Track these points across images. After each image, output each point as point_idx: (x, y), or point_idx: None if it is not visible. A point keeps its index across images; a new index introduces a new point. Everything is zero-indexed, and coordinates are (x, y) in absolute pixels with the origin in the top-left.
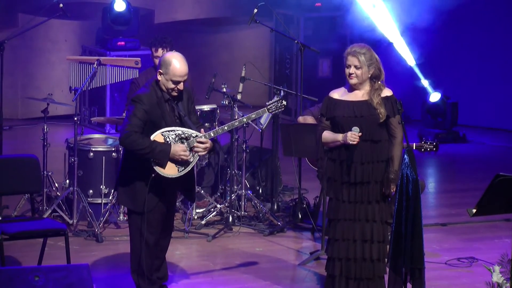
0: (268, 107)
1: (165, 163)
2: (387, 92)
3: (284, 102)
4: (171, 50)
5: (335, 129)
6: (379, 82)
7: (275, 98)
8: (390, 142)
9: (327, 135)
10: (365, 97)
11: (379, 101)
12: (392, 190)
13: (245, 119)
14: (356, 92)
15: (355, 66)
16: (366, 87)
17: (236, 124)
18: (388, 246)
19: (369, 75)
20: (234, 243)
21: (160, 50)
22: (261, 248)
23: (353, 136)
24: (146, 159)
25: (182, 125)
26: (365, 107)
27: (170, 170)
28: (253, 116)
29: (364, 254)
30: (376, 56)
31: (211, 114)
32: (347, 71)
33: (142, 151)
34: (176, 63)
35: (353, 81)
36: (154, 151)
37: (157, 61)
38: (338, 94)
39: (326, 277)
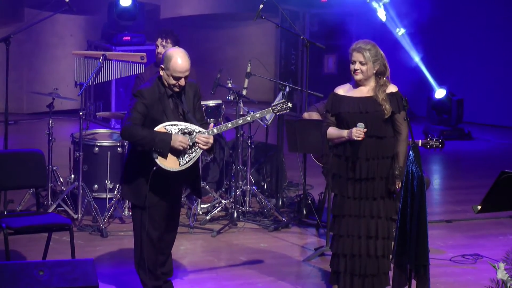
0: (273, 107)
1: (166, 153)
2: (392, 88)
3: (290, 104)
4: (173, 42)
5: (340, 125)
6: (384, 78)
7: (280, 98)
8: (395, 139)
9: (332, 131)
10: (370, 93)
11: (384, 97)
12: (397, 187)
13: (249, 118)
14: (362, 88)
15: (360, 62)
16: (372, 83)
17: (240, 122)
18: (392, 243)
19: (374, 71)
20: (238, 238)
21: (159, 40)
22: (265, 244)
23: (358, 132)
24: (148, 151)
25: (186, 121)
26: (370, 103)
27: (172, 164)
28: (258, 115)
29: (369, 251)
30: (381, 52)
31: (216, 110)
32: (352, 67)
33: (142, 141)
34: (177, 58)
35: (358, 77)
36: (154, 140)
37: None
38: (343, 90)
39: (330, 273)
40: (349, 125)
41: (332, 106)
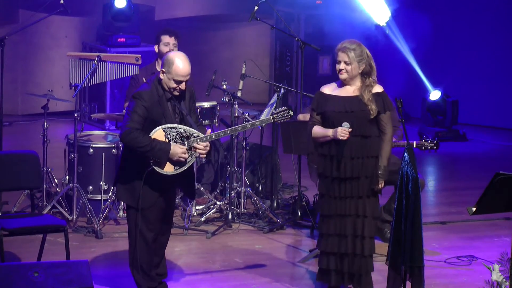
0: (274, 116)
1: (163, 163)
2: (378, 89)
3: (291, 112)
4: (176, 40)
5: (326, 124)
6: (370, 79)
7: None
8: (380, 138)
9: (318, 130)
10: (356, 93)
11: (370, 98)
12: (380, 186)
13: (249, 125)
14: (347, 87)
15: (345, 62)
16: (357, 83)
17: (239, 129)
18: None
19: (360, 71)
20: (233, 240)
21: (173, 38)
22: (260, 245)
23: (343, 131)
24: (144, 157)
25: (184, 124)
26: (356, 102)
27: (166, 167)
28: (258, 123)
29: (355, 249)
30: (368, 52)
31: (211, 111)
32: (337, 66)
33: (142, 149)
34: (179, 62)
35: (343, 76)
36: (154, 149)
37: (163, 49)
38: (329, 89)
39: (318, 270)
40: (334, 124)
41: (318, 104)
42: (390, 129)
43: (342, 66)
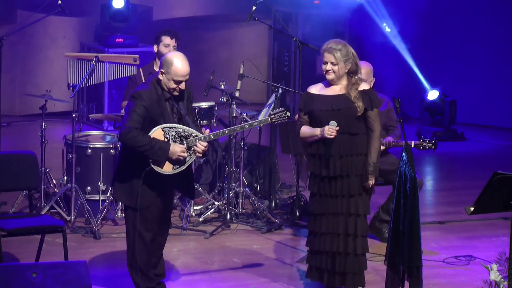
0: (272, 117)
1: (163, 162)
2: (364, 86)
3: (288, 114)
4: (176, 42)
5: (313, 123)
6: (356, 77)
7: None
8: (368, 136)
9: (306, 130)
10: (343, 91)
11: (356, 95)
12: (370, 183)
13: (247, 126)
14: (334, 86)
15: (332, 63)
16: (344, 81)
17: (237, 129)
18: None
19: (346, 71)
20: (231, 240)
21: (174, 40)
22: (258, 245)
23: (330, 130)
24: (143, 156)
25: (182, 124)
26: (343, 100)
27: (165, 167)
28: (255, 124)
29: (348, 248)
30: (353, 51)
31: (209, 111)
32: (324, 67)
33: (141, 148)
34: (178, 62)
35: (330, 76)
36: (153, 148)
37: (163, 50)
38: (315, 89)
39: (308, 268)
40: (321, 123)
41: (305, 104)
42: (378, 126)
43: (328, 66)
